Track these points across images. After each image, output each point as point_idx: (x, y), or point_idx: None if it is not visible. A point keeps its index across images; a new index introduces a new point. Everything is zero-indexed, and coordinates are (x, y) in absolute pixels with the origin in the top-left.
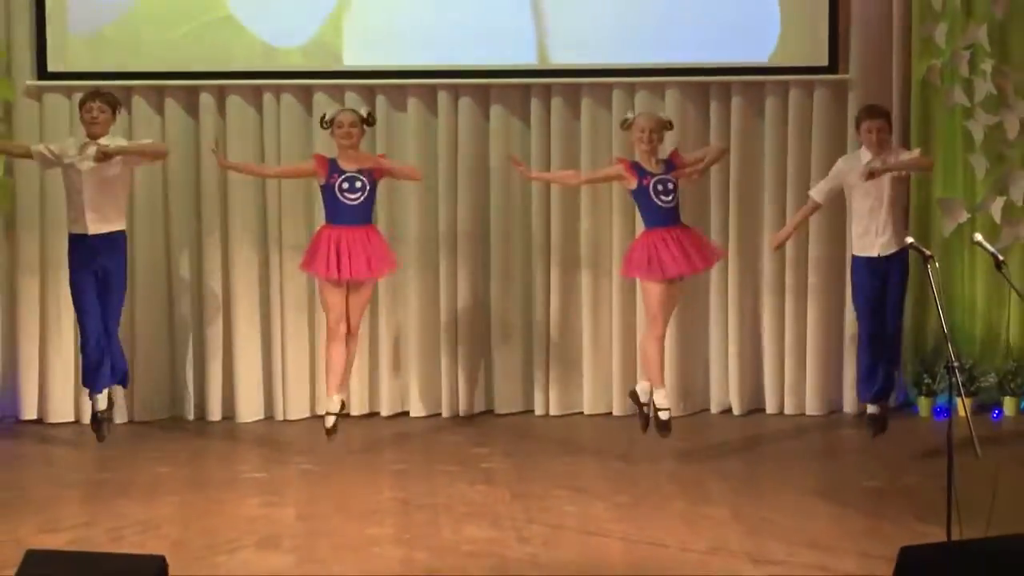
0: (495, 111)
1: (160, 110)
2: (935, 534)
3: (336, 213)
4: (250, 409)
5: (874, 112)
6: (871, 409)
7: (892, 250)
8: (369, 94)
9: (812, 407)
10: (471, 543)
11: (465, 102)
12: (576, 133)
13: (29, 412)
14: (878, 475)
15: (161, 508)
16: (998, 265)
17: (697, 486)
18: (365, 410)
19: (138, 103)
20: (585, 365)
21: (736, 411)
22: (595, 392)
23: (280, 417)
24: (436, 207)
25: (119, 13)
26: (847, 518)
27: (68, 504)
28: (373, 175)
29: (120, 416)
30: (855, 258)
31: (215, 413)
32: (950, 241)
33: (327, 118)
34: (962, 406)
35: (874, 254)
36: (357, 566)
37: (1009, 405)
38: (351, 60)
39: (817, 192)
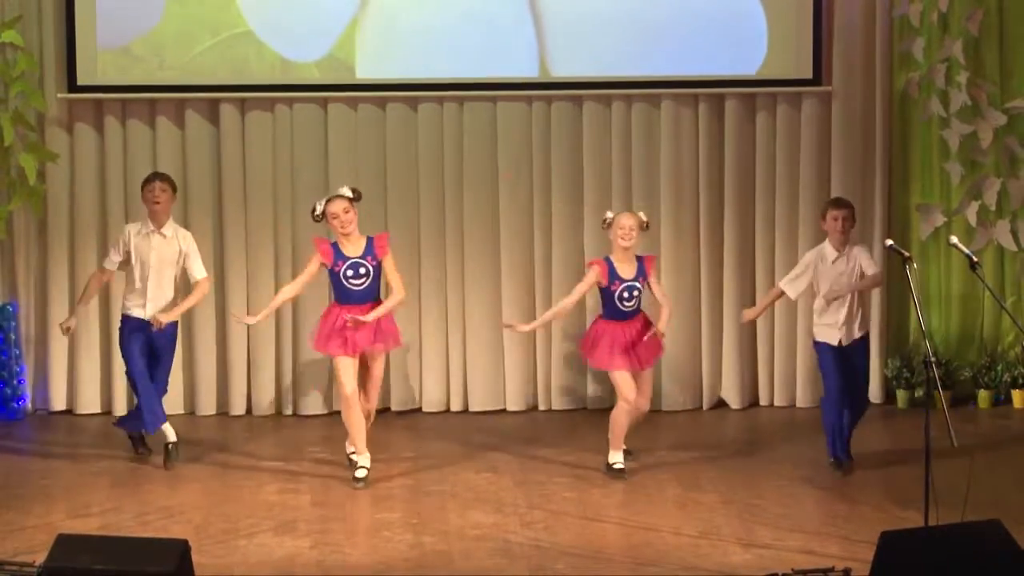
0: (500, 121)
1: (181, 121)
2: (914, 519)
3: (343, 295)
4: (266, 404)
5: (840, 203)
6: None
7: (854, 338)
8: (381, 104)
9: (802, 400)
10: (477, 528)
11: (471, 113)
12: (578, 142)
13: (59, 404)
14: (860, 463)
15: (184, 495)
16: (973, 266)
17: (690, 475)
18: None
19: (161, 113)
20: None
21: (734, 405)
22: (596, 388)
23: (293, 412)
24: (443, 213)
25: (145, 29)
26: (831, 504)
27: (97, 491)
28: (377, 256)
29: None
30: (818, 343)
31: (239, 407)
32: (927, 243)
33: (317, 213)
34: (939, 398)
35: (834, 343)
36: (369, 549)
37: (983, 398)
38: (364, 73)
39: (790, 288)
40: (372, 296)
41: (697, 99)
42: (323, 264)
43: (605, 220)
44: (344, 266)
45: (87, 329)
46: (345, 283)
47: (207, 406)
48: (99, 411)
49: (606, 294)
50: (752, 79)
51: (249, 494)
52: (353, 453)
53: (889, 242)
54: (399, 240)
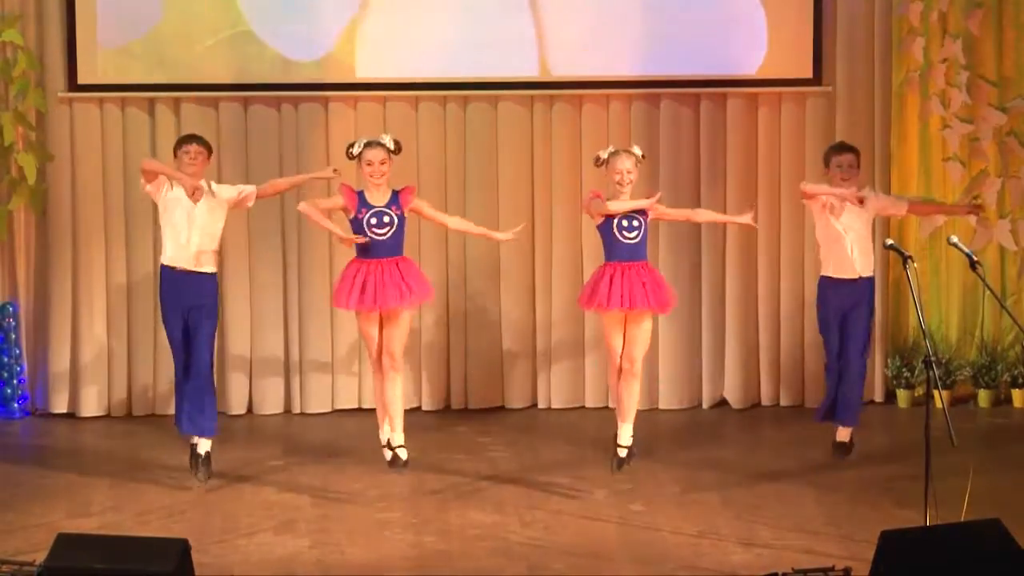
0: (502, 121)
1: (182, 121)
2: (914, 519)
3: (364, 247)
4: (270, 403)
5: (843, 148)
6: (840, 437)
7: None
8: (381, 103)
9: (811, 400)
10: (476, 527)
11: (473, 112)
12: (577, 141)
13: (59, 404)
14: (861, 463)
15: (184, 494)
16: (973, 265)
17: (690, 474)
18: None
19: (161, 112)
20: (587, 360)
21: (735, 405)
22: (596, 386)
23: (298, 411)
24: (445, 209)
25: (146, 28)
26: (831, 504)
27: (97, 491)
28: (402, 207)
29: (144, 409)
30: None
31: (239, 407)
32: (928, 242)
33: (355, 151)
34: (939, 398)
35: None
36: (369, 548)
37: (983, 397)
38: (364, 73)
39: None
40: (396, 250)
41: (698, 98)
42: (344, 209)
43: (598, 158)
44: (368, 214)
45: (89, 327)
46: (368, 232)
47: None
48: (101, 414)
49: (606, 229)
50: (752, 79)
51: (249, 493)
52: (386, 445)
53: (889, 241)
54: None
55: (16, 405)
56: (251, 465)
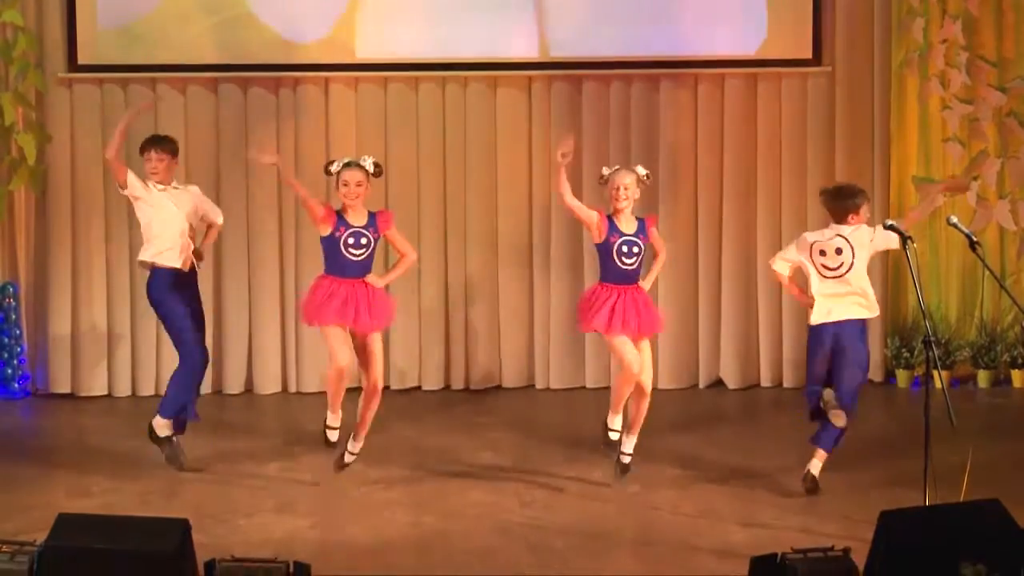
0: (501, 101)
1: (182, 102)
2: (913, 498)
3: (337, 266)
4: (268, 382)
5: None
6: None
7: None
8: (381, 84)
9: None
10: (476, 506)
11: (472, 93)
12: (577, 122)
13: (60, 384)
14: (860, 443)
15: (184, 474)
16: (972, 245)
17: (688, 454)
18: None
19: (163, 92)
20: (587, 340)
21: (731, 385)
22: (596, 367)
23: (293, 390)
24: (444, 191)
25: (146, 9)
26: (831, 483)
27: (97, 471)
28: (379, 230)
29: (147, 389)
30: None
31: (236, 386)
32: (927, 223)
33: (333, 170)
34: (938, 378)
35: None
36: (368, 528)
37: (983, 378)
38: (364, 53)
39: None
40: (367, 270)
41: (696, 79)
42: (320, 224)
43: (602, 176)
44: (346, 233)
45: (89, 307)
46: (344, 251)
47: (205, 384)
48: (102, 393)
49: (604, 250)
50: (752, 59)
51: (249, 473)
52: (329, 427)
53: (889, 222)
54: (400, 218)
55: (16, 385)
56: (251, 444)
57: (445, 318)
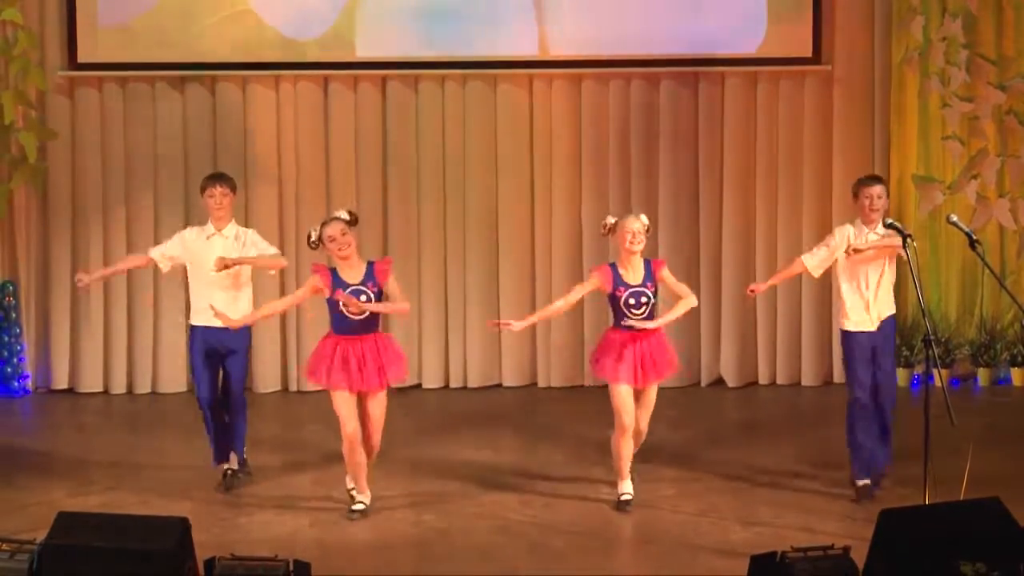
0: (501, 99)
1: (182, 100)
2: (913, 497)
3: (342, 326)
4: (268, 381)
5: (873, 180)
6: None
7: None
8: (381, 82)
9: (807, 378)
10: (477, 506)
11: (472, 91)
12: (576, 120)
13: (60, 382)
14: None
15: (185, 473)
16: (972, 244)
17: (689, 453)
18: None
19: (162, 91)
20: (586, 338)
21: (731, 383)
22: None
23: (295, 389)
24: (444, 188)
25: (146, 7)
26: (831, 482)
27: (97, 469)
28: (378, 282)
29: (144, 387)
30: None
31: None
32: (927, 221)
33: (313, 239)
34: (938, 377)
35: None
36: (369, 526)
37: (983, 376)
38: (364, 51)
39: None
40: (372, 327)
41: (697, 77)
42: (319, 291)
43: (605, 225)
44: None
45: (88, 307)
46: (344, 312)
47: None
48: (100, 390)
49: (613, 301)
50: (752, 57)
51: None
52: (353, 490)
53: (889, 220)
54: (399, 217)
55: (16, 383)
56: (250, 443)
57: (445, 316)
